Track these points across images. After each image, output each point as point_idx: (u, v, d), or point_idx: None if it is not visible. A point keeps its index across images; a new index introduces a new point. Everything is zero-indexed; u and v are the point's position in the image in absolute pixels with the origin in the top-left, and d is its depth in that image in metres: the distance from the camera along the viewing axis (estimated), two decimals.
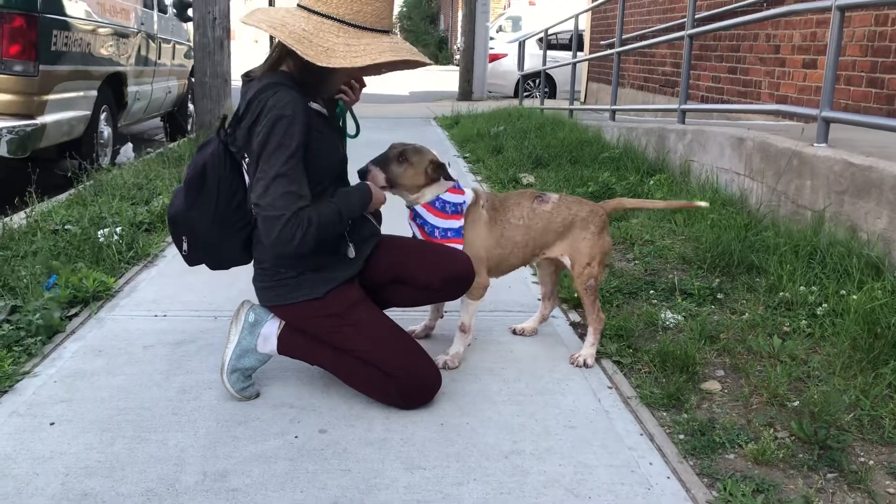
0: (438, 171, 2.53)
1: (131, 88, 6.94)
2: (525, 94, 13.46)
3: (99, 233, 3.90)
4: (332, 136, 2.36)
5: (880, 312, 2.68)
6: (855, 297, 2.83)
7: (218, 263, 2.51)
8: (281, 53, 2.25)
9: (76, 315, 3.05)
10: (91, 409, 2.31)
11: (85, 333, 2.89)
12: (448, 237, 2.53)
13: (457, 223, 2.55)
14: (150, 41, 7.51)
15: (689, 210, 4.32)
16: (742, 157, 4.51)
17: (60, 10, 5.43)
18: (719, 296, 3.24)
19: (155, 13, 7.74)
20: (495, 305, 3.21)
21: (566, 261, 2.69)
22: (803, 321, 2.88)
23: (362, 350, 2.31)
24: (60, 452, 2.07)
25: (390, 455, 2.08)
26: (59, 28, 5.36)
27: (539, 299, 3.02)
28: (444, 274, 2.43)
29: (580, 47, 12.82)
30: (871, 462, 2.08)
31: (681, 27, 6.31)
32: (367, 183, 2.40)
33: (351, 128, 2.56)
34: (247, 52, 22.51)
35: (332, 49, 2.10)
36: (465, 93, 15.17)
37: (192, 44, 7.79)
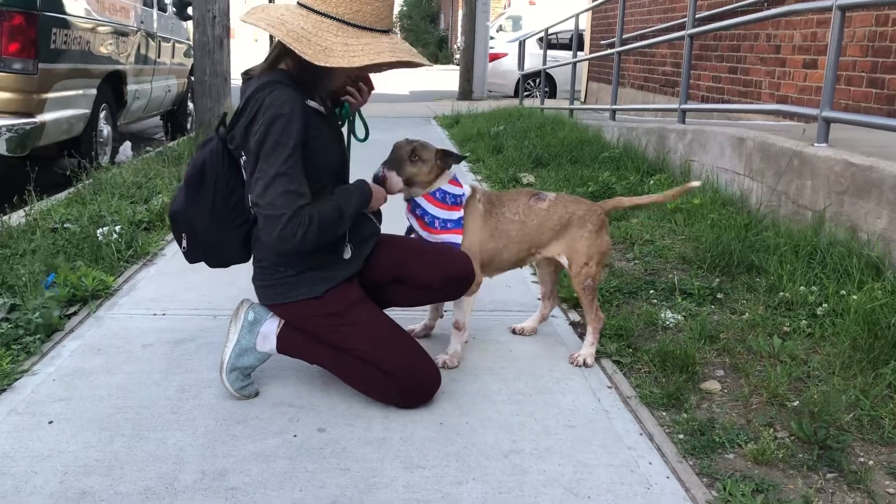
0: (447, 160, 2.55)
1: (131, 87, 6.94)
2: (525, 93, 13.45)
3: (98, 231, 3.90)
4: (332, 135, 2.35)
5: (880, 312, 2.68)
6: (855, 297, 2.83)
7: (217, 261, 2.51)
8: (280, 52, 2.25)
9: (75, 313, 3.05)
10: (90, 408, 2.31)
11: (84, 332, 2.88)
12: (448, 228, 2.54)
13: (456, 214, 2.55)
14: (150, 39, 7.50)
15: (689, 210, 4.32)
16: (742, 156, 4.51)
17: (60, 8, 5.43)
18: (719, 296, 3.24)
19: (155, 11, 7.73)
20: (495, 305, 3.21)
21: (563, 260, 2.68)
22: (803, 321, 2.87)
23: (362, 349, 2.31)
24: (59, 451, 2.07)
25: (389, 454, 2.08)
26: (58, 26, 5.35)
27: (539, 299, 3.02)
28: (444, 274, 2.43)
29: (580, 47, 12.83)
30: (871, 462, 2.08)
31: (681, 27, 6.30)
32: (367, 181, 2.40)
33: (360, 131, 2.57)
34: (247, 51, 22.52)
35: (330, 48, 2.10)
36: (466, 92, 15.17)
37: (191, 42, 7.79)
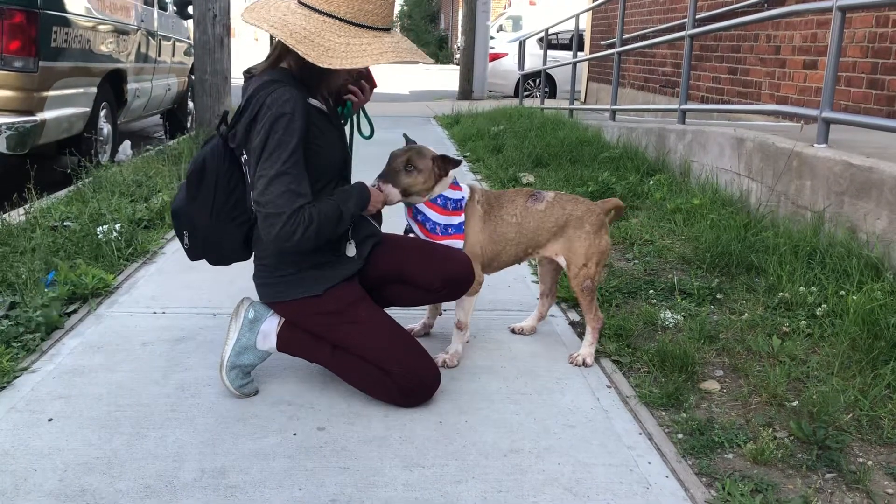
0: (445, 166, 2.53)
1: (131, 85, 6.94)
2: (525, 93, 13.45)
3: (98, 229, 3.90)
4: (334, 134, 2.35)
5: (879, 313, 2.68)
6: (854, 297, 2.83)
7: (218, 259, 2.51)
8: (281, 51, 2.25)
9: (75, 311, 3.05)
10: (89, 406, 2.31)
11: (84, 330, 2.89)
12: (449, 233, 2.53)
13: (457, 219, 2.55)
14: (151, 38, 7.50)
15: (689, 210, 4.33)
16: (742, 157, 4.51)
17: (61, 6, 5.42)
18: (719, 296, 3.24)
19: (155, 10, 7.73)
20: (494, 304, 3.21)
21: (562, 261, 2.68)
22: (802, 321, 2.88)
23: (362, 348, 2.31)
24: (59, 448, 2.07)
25: (389, 453, 2.08)
26: (59, 24, 5.35)
27: (538, 298, 3.02)
28: (445, 274, 2.43)
29: (580, 47, 12.83)
30: (870, 462, 2.08)
31: (681, 27, 6.30)
32: (364, 183, 2.40)
33: (364, 129, 2.58)
34: (247, 50, 22.52)
35: (332, 49, 2.10)
36: (466, 92, 15.16)
37: (192, 41, 7.79)
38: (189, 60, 8.74)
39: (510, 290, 3.40)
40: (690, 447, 2.14)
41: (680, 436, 2.22)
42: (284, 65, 2.26)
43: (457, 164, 2.54)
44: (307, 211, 2.14)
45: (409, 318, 2.88)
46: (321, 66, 2.08)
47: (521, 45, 13.15)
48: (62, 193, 5.00)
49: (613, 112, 7.74)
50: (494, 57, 16.19)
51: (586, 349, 2.68)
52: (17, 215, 4.29)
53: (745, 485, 1.95)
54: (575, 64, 9.72)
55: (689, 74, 5.76)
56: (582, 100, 12.81)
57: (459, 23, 21.02)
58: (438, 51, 32.01)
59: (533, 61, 13.95)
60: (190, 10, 7.83)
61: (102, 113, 6.34)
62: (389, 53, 2.14)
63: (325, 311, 2.32)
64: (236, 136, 2.25)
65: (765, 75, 6.76)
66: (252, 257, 2.47)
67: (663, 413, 2.35)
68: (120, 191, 4.86)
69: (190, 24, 8.10)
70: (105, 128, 6.44)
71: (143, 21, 7.25)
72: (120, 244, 3.75)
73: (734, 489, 1.92)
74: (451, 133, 8.77)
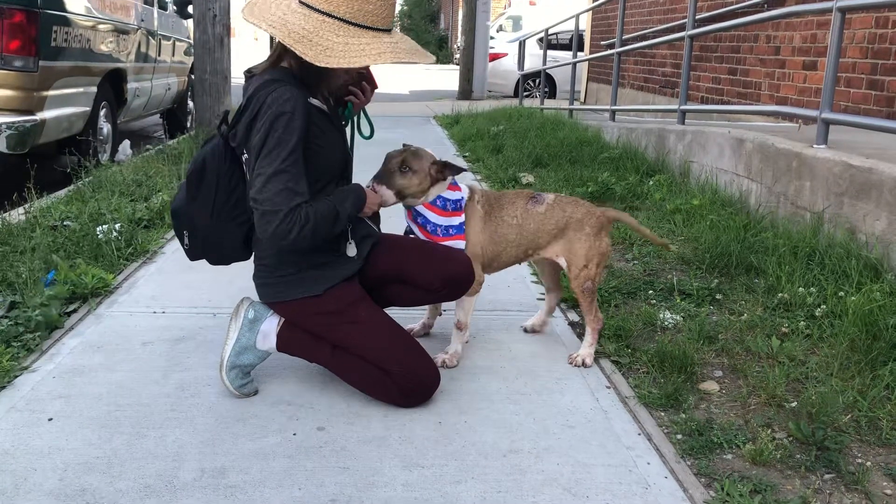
0: (444, 171, 2.53)
1: (131, 85, 6.94)
2: (525, 93, 13.46)
3: (98, 229, 3.90)
4: (334, 134, 2.36)
5: (878, 314, 2.68)
6: (853, 298, 2.84)
7: (218, 258, 2.51)
8: (282, 50, 2.25)
9: (75, 311, 3.05)
10: (89, 405, 2.31)
11: (83, 329, 2.89)
12: (450, 234, 2.54)
13: (457, 220, 2.55)
14: (151, 38, 7.50)
15: (689, 211, 4.33)
16: (742, 158, 4.51)
17: (61, 5, 5.43)
18: (718, 296, 3.24)
19: (155, 10, 7.73)
20: (494, 305, 3.21)
21: (562, 262, 2.69)
22: (802, 322, 2.88)
23: (361, 348, 2.31)
24: (58, 448, 2.07)
25: (389, 453, 2.08)
26: (59, 24, 5.35)
27: (539, 297, 3.03)
28: (445, 274, 2.43)
29: (580, 47, 12.83)
30: (869, 463, 2.09)
31: (681, 28, 6.31)
32: (360, 184, 2.40)
33: (365, 129, 2.58)
34: (247, 50, 22.51)
35: (330, 48, 2.10)
36: (465, 92, 15.16)
37: (192, 41, 7.79)
38: (189, 60, 8.74)
39: (510, 290, 3.41)
40: (689, 448, 2.15)
41: (679, 436, 2.22)
42: (285, 64, 2.27)
43: (458, 171, 2.54)
44: (304, 210, 2.14)
45: (409, 318, 2.89)
46: (319, 65, 2.08)
47: (521, 45, 13.15)
48: (62, 193, 5.00)
49: (613, 112, 7.75)
50: (494, 57, 16.19)
51: (586, 350, 2.69)
52: (17, 215, 4.29)
53: (744, 485, 1.95)
54: (575, 64, 9.73)
55: (688, 75, 5.76)
56: (582, 100, 12.81)
57: (459, 23, 21.02)
58: (438, 51, 31.99)
59: (533, 61, 13.95)
60: (190, 9, 7.83)
61: (102, 112, 6.34)
62: (387, 54, 2.15)
63: (324, 311, 2.32)
64: (237, 135, 2.25)
65: (764, 76, 6.76)
66: (252, 257, 2.48)
67: (662, 413, 2.35)
68: (120, 190, 4.86)
69: (190, 23, 8.10)
70: (105, 127, 6.44)
71: (143, 20, 7.25)
72: (120, 244, 3.75)
73: (733, 490, 1.93)
74: (451, 133, 8.77)
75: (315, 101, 2.27)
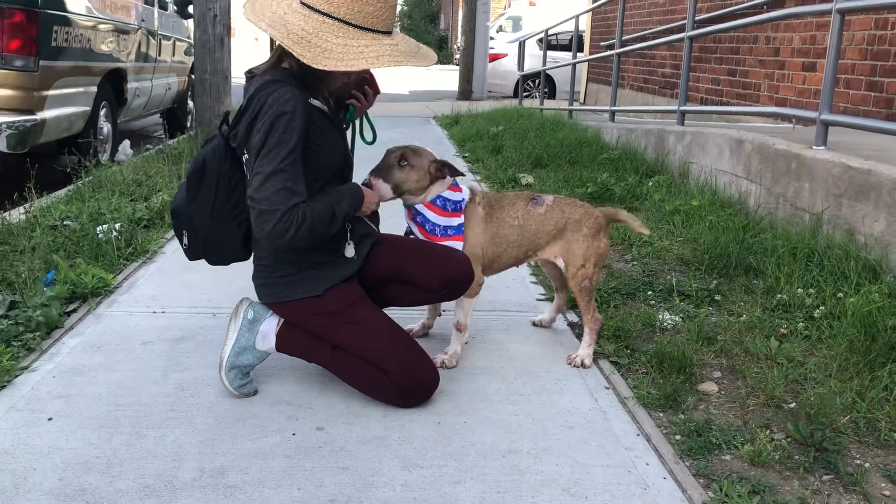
0: (443, 170, 2.53)
1: (131, 85, 6.94)
2: (525, 94, 13.46)
3: (98, 229, 3.90)
4: (335, 135, 2.36)
5: (877, 315, 2.69)
6: (852, 299, 2.84)
7: (217, 259, 2.51)
8: (283, 51, 2.25)
9: (75, 311, 3.05)
10: (89, 405, 2.31)
11: (83, 329, 2.89)
12: (448, 235, 2.54)
13: (456, 220, 2.56)
14: (151, 37, 7.50)
15: (688, 212, 4.34)
16: (741, 159, 4.52)
17: (61, 5, 5.43)
18: (717, 297, 3.25)
19: (155, 9, 7.73)
20: (493, 305, 3.22)
21: (560, 262, 2.70)
22: (800, 323, 2.88)
23: (361, 348, 2.31)
24: (58, 448, 2.07)
25: (388, 453, 2.09)
26: (59, 24, 5.35)
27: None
28: (444, 274, 2.44)
29: (580, 48, 12.83)
30: (867, 464, 2.09)
31: (681, 29, 6.31)
32: (358, 184, 2.40)
33: (367, 134, 2.58)
34: (247, 50, 22.52)
35: (329, 50, 2.10)
36: (465, 92, 15.17)
37: (192, 40, 7.79)
38: (189, 60, 8.74)
39: (509, 290, 3.41)
40: (688, 448, 2.15)
41: (678, 437, 2.22)
42: (286, 65, 2.27)
43: (457, 174, 2.55)
44: (301, 209, 2.15)
45: (408, 318, 2.89)
46: (316, 67, 2.08)
47: (521, 45, 13.16)
48: (62, 193, 5.00)
49: (613, 113, 7.75)
50: (494, 57, 16.20)
51: (584, 350, 2.69)
52: (17, 214, 4.29)
53: (743, 486, 1.96)
54: (574, 65, 9.73)
55: (688, 76, 5.77)
56: (581, 101, 12.82)
57: (459, 23, 21.02)
58: (438, 51, 31.96)
59: (532, 62, 13.95)
60: (190, 9, 7.83)
61: (102, 112, 6.35)
62: (385, 57, 2.14)
63: (324, 311, 2.32)
64: (237, 135, 2.26)
65: (764, 77, 6.77)
66: (251, 257, 2.48)
67: (661, 414, 2.36)
68: (120, 190, 4.86)
69: (190, 23, 8.10)
70: (105, 127, 6.44)
71: (143, 20, 7.25)
72: (120, 243, 3.75)
73: (731, 490, 1.93)
74: (451, 133, 8.78)
75: (315, 102, 2.27)
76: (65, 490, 1.89)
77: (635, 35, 9.86)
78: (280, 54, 2.27)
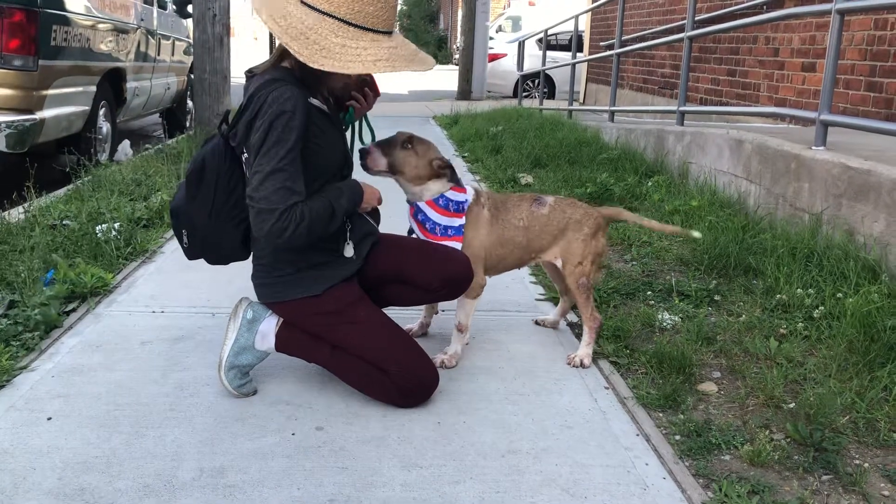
0: (445, 169, 2.54)
1: (130, 84, 6.94)
2: (524, 94, 13.46)
3: (97, 228, 3.90)
4: (334, 134, 2.36)
5: (876, 315, 2.69)
6: (851, 299, 2.84)
7: (217, 258, 2.51)
8: (283, 49, 2.25)
9: (74, 310, 3.05)
10: (88, 405, 2.31)
11: (82, 329, 2.89)
12: (448, 235, 2.54)
13: (458, 221, 2.56)
14: (150, 37, 7.50)
15: (687, 212, 4.33)
16: (740, 159, 4.52)
17: (60, 5, 5.43)
18: (716, 297, 3.25)
19: (155, 9, 7.73)
20: (493, 305, 3.22)
21: (559, 263, 2.70)
22: (800, 323, 2.88)
23: (360, 348, 2.31)
24: (57, 447, 2.07)
25: (387, 453, 2.09)
26: (58, 23, 5.35)
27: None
28: (444, 274, 2.44)
29: (580, 48, 12.83)
30: (867, 464, 2.09)
31: (680, 29, 6.31)
32: (357, 180, 2.40)
33: (366, 136, 2.59)
34: (246, 49, 22.52)
35: (327, 49, 2.10)
36: (465, 92, 15.17)
37: (191, 40, 7.78)
38: (188, 59, 8.74)
39: (509, 290, 3.41)
40: (688, 448, 2.15)
41: (677, 437, 2.22)
42: (286, 64, 2.27)
43: (457, 179, 2.56)
44: (299, 208, 2.14)
45: (408, 318, 2.89)
46: (312, 66, 2.08)
47: (521, 45, 13.16)
48: (61, 192, 5.00)
49: (612, 113, 7.75)
50: (493, 57, 16.20)
51: (584, 350, 2.69)
52: (16, 214, 4.29)
53: (742, 486, 1.96)
54: (574, 65, 9.73)
55: (687, 76, 5.77)
56: (581, 101, 12.82)
57: (459, 23, 21.01)
58: (438, 51, 31.98)
59: (532, 62, 13.95)
60: (189, 8, 7.83)
61: (102, 112, 6.34)
62: (383, 62, 2.14)
63: (323, 311, 2.32)
64: (237, 134, 2.26)
65: (763, 77, 6.77)
66: (251, 257, 2.48)
67: (661, 414, 2.36)
68: (119, 189, 4.86)
69: (189, 22, 8.10)
70: (104, 126, 6.44)
71: (142, 20, 7.25)
72: (119, 243, 3.75)
73: (731, 491, 1.93)
74: (450, 133, 8.77)
75: (315, 101, 2.27)
76: (64, 490, 1.89)
77: (635, 35, 9.86)
78: (281, 53, 2.27)
